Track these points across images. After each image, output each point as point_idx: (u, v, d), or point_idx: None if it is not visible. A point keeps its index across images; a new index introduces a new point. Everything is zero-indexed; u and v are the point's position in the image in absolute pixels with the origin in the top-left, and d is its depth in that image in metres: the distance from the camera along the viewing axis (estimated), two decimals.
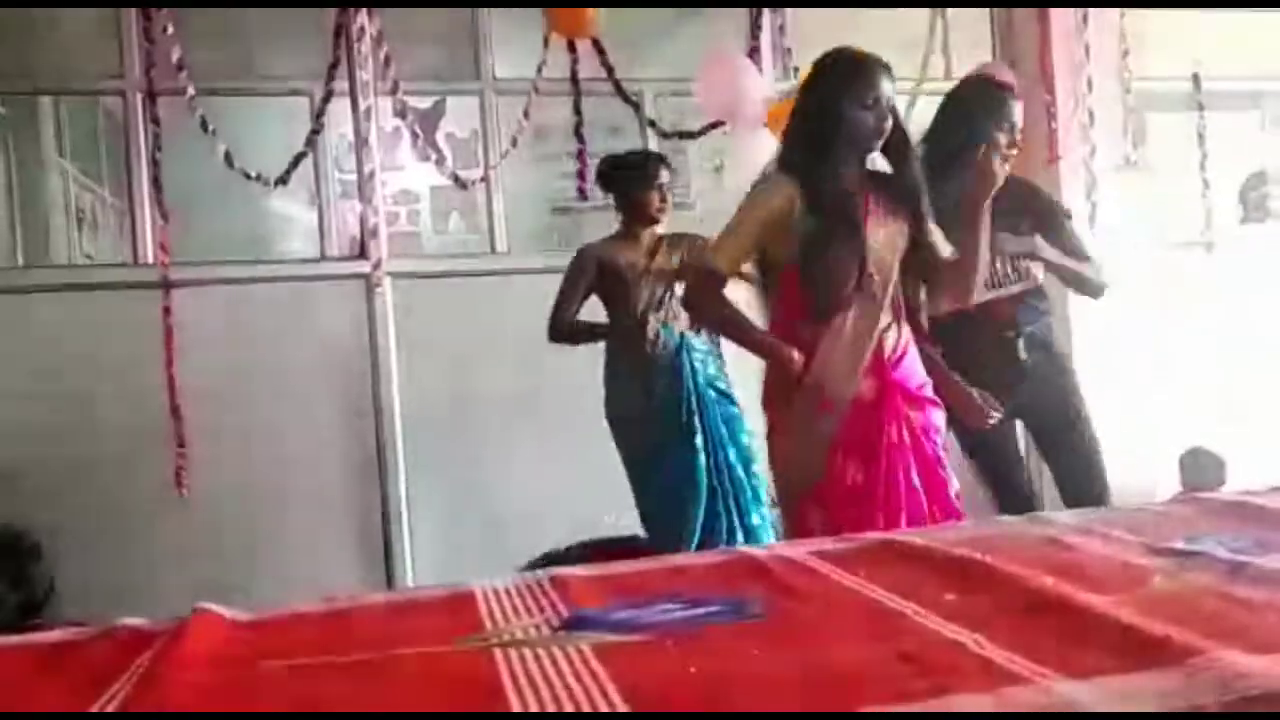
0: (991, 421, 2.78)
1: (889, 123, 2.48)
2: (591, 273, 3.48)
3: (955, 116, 2.90)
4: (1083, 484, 2.93)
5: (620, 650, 1.19)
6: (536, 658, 1.18)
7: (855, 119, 2.45)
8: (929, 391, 2.59)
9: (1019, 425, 3.06)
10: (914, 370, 2.58)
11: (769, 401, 2.61)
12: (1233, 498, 1.88)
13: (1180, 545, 1.50)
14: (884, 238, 2.52)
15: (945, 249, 2.60)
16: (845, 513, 2.41)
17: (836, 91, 2.49)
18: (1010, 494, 2.95)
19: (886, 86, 2.47)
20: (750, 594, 1.40)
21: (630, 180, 3.49)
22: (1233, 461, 4.24)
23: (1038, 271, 2.96)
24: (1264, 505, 1.74)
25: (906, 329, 2.60)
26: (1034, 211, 2.97)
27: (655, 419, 3.37)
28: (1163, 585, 1.33)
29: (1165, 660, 1.03)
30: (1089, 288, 3.06)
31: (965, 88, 3.05)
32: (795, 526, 2.53)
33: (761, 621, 1.30)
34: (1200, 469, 4.24)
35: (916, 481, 2.48)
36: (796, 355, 2.47)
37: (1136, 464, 4.32)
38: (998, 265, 2.87)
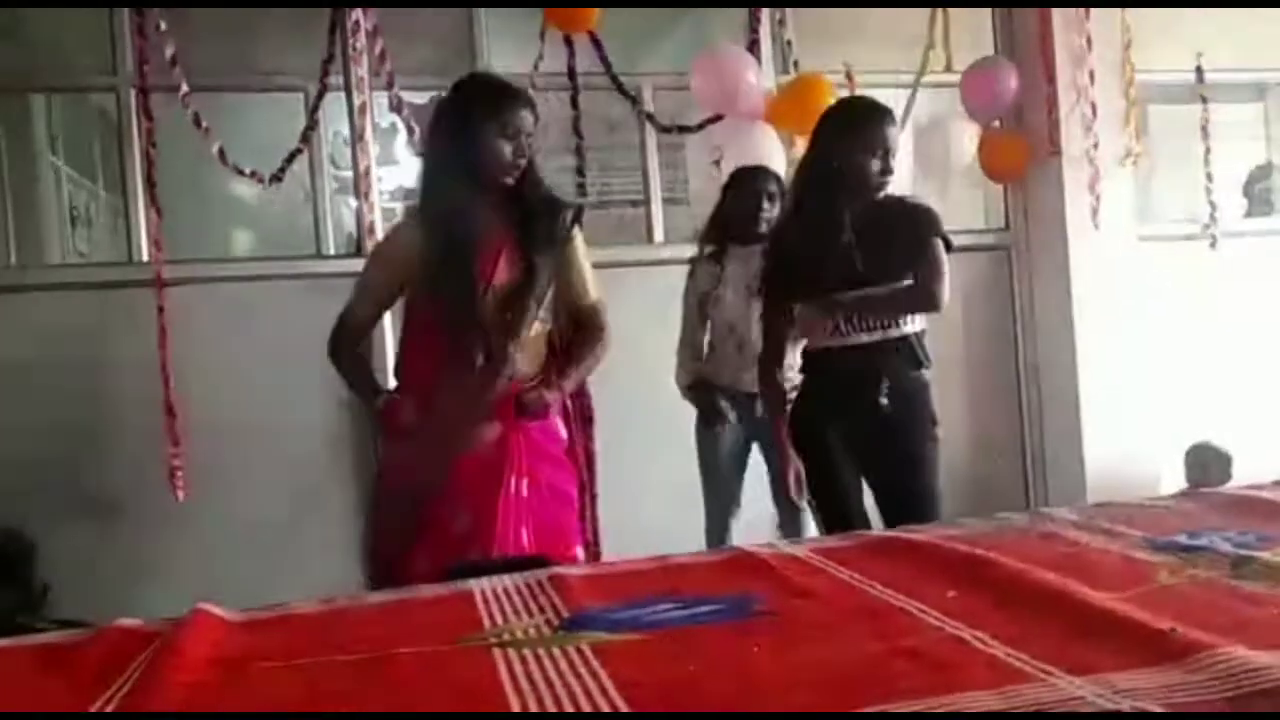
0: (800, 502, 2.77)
1: (525, 155, 2.35)
2: None
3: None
4: None
5: (620, 649, 1.19)
6: (536, 657, 1.18)
7: (492, 146, 2.32)
8: (556, 445, 2.44)
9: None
10: (547, 424, 2.43)
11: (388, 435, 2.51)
12: (1237, 492, 1.87)
13: (1184, 540, 1.49)
14: (509, 274, 2.36)
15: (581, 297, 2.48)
16: (435, 554, 2.25)
17: (470, 121, 2.35)
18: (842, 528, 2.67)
19: (528, 116, 2.36)
20: (751, 592, 1.39)
21: None
22: (1238, 456, 4.23)
23: (911, 316, 2.71)
24: (1268, 500, 1.74)
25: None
26: (912, 240, 2.69)
27: None
28: (1166, 580, 1.32)
29: (1169, 656, 1.03)
30: (913, 304, 2.70)
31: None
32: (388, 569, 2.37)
33: (762, 620, 1.29)
34: (1205, 464, 4.23)
35: (525, 538, 2.32)
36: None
37: (1141, 459, 4.32)
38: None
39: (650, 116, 4.35)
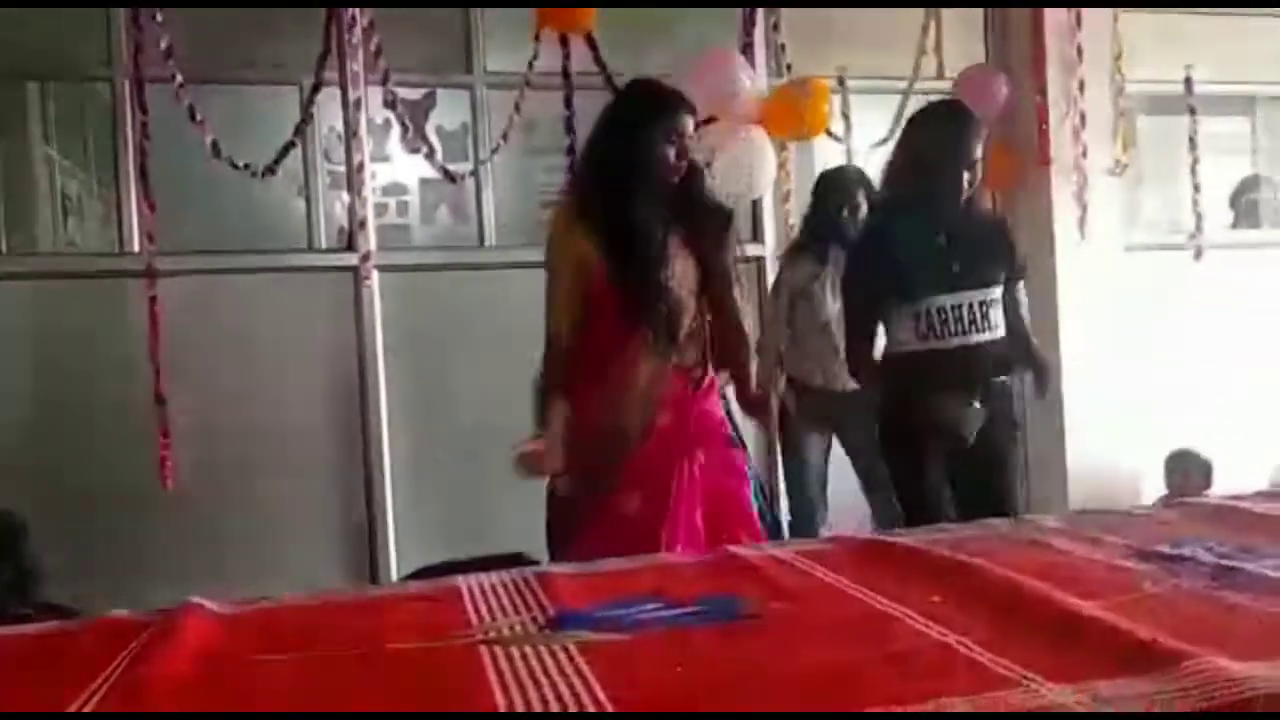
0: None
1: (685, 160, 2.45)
2: None
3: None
4: None
5: (607, 649, 1.19)
6: (523, 655, 1.18)
7: (656, 150, 2.42)
8: (727, 432, 2.55)
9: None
10: (713, 401, 2.55)
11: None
12: (1219, 502, 1.89)
13: (1167, 550, 1.50)
14: (679, 272, 2.48)
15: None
16: (612, 543, 2.27)
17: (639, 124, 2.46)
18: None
19: (688, 118, 2.47)
20: (738, 594, 1.40)
21: None
22: (1219, 465, 4.25)
23: (999, 321, 2.78)
24: (1250, 510, 1.75)
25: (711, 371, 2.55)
26: (1007, 255, 2.84)
27: None
28: (1149, 590, 1.33)
29: (1152, 664, 1.04)
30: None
31: None
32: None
33: (749, 622, 1.30)
34: (1186, 472, 4.25)
35: (698, 519, 2.42)
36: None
37: (1123, 465, 4.34)
38: (958, 310, 2.72)
39: None
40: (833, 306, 3.53)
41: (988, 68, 4.57)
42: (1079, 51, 4.44)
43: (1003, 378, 2.78)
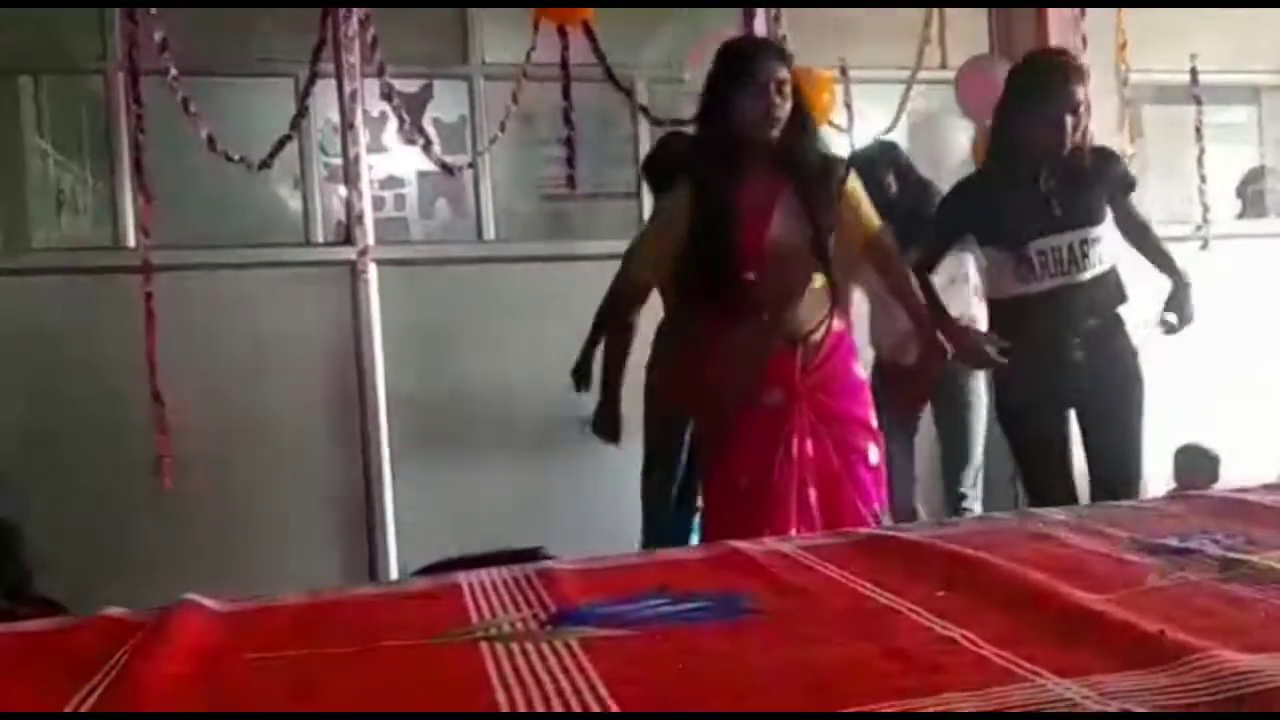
0: (993, 362, 2.79)
1: (781, 106, 2.42)
2: None
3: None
4: (1109, 487, 2.76)
5: (608, 645, 1.18)
6: (524, 652, 1.17)
7: (737, 103, 2.41)
8: (858, 406, 2.53)
9: (1072, 416, 2.92)
10: (835, 381, 2.51)
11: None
12: (1226, 495, 1.88)
13: (1173, 543, 1.49)
14: (786, 230, 2.46)
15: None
16: (727, 514, 2.38)
17: (721, 77, 2.46)
18: (1047, 489, 2.84)
19: (770, 66, 2.43)
20: (740, 589, 1.39)
21: None
22: (1227, 458, 4.24)
23: (1107, 256, 2.82)
24: (1257, 502, 1.74)
25: (838, 326, 2.53)
26: (1110, 179, 2.85)
27: None
28: (1156, 582, 1.32)
29: (1158, 658, 1.03)
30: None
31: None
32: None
33: (751, 617, 1.29)
34: (1194, 465, 4.24)
35: (813, 498, 2.41)
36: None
37: None
38: (1058, 252, 2.76)
39: (644, 109, 4.33)
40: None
41: (991, 58, 4.55)
42: (1083, 41, 4.41)
43: (1108, 312, 2.82)
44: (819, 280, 2.49)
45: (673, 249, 2.50)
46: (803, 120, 2.48)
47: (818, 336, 2.47)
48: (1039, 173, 2.76)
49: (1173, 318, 2.82)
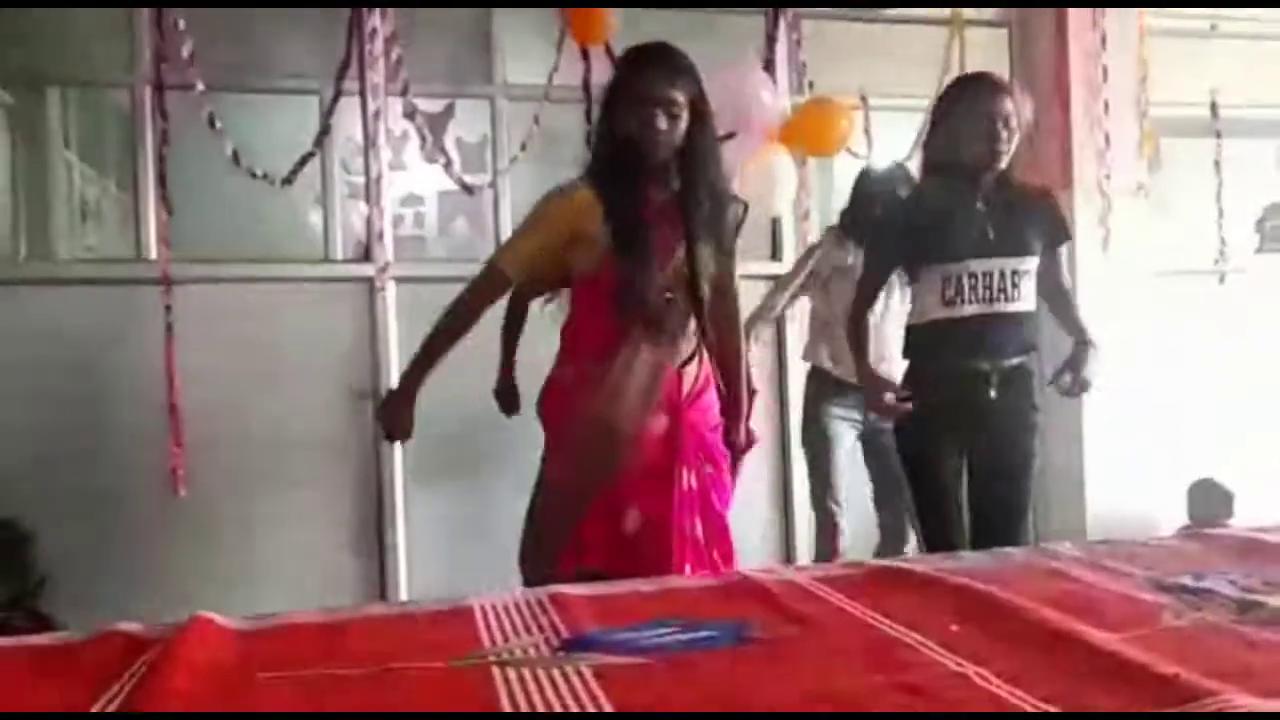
0: (894, 413, 2.74)
1: (668, 131, 2.26)
2: None
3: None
4: (994, 534, 2.63)
5: (619, 672, 1.18)
6: (535, 678, 1.17)
7: (619, 118, 2.28)
8: (720, 444, 2.44)
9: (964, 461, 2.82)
10: (710, 410, 2.42)
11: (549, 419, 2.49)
12: (1242, 534, 1.86)
13: (1189, 582, 1.48)
14: (677, 262, 2.33)
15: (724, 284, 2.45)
16: (610, 558, 2.24)
17: (610, 86, 2.35)
18: (939, 528, 2.76)
19: (659, 85, 2.27)
20: (750, 618, 1.38)
21: None
22: (1241, 495, 4.21)
23: (1029, 293, 2.73)
24: (1274, 543, 1.72)
25: (707, 364, 2.43)
26: (1046, 222, 2.79)
27: None
28: (1171, 622, 1.31)
29: (1172, 700, 1.02)
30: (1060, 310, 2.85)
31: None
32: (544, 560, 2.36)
33: (761, 646, 1.28)
34: (1208, 501, 4.21)
35: (700, 531, 2.31)
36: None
37: (1143, 495, 4.30)
38: (988, 278, 2.68)
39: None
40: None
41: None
42: (1104, 73, 4.41)
43: (1025, 355, 2.74)
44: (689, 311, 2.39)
45: (543, 252, 2.37)
46: (695, 147, 2.33)
47: (693, 367, 2.39)
48: (969, 193, 2.71)
49: (1067, 379, 2.72)
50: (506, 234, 4.29)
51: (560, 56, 4.05)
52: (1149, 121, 4.50)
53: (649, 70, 2.30)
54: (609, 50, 4.03)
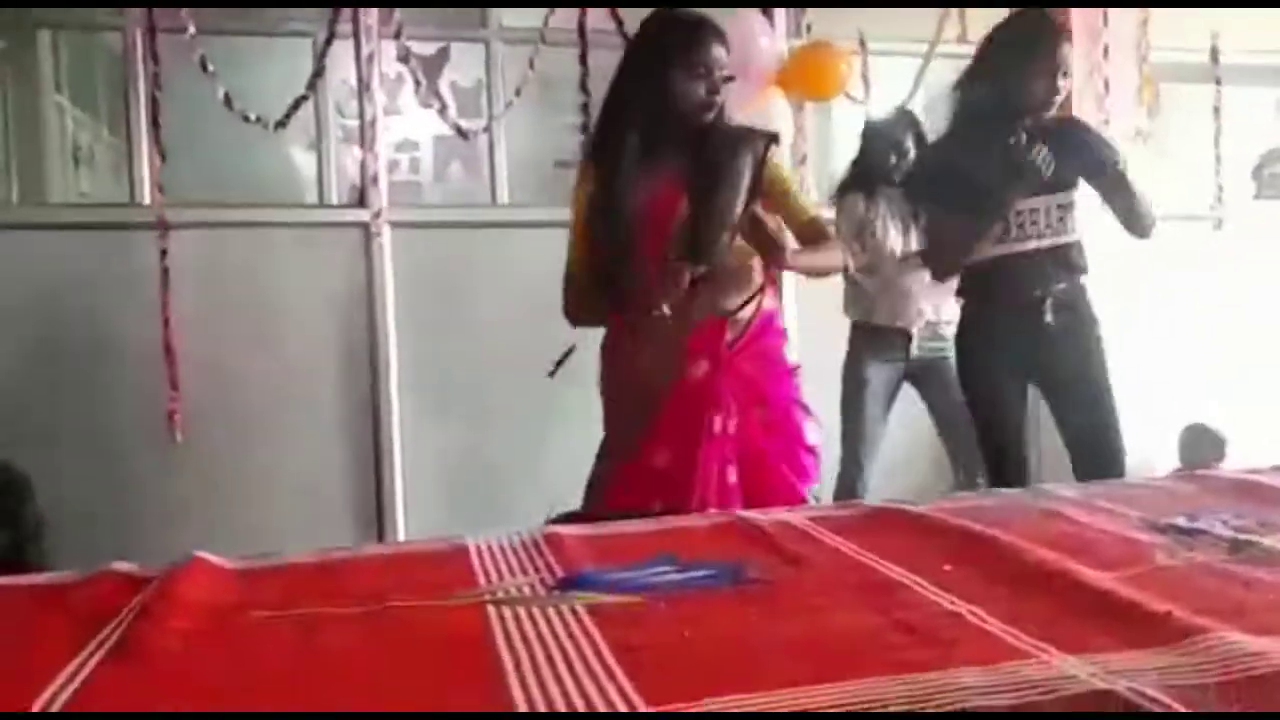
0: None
1: (720, 93, 2.32)
2: None
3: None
4: (1094, 457, 2.82)
5: (614, 611, 1.19)
6: (530, 616, 1.17)
7: (682, 90, 2.30)
8: (789, 387, 2.43)
9: (1029, 389, 2.94)
10: (764, 358, 2.41)
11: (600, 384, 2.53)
12: (1236, 475, 1.87)
13: (1182, 522, 1.49)
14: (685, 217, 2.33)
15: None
16: (646, 495, 2.27)
17: (662, 59, 2.32)
18: (1005, 461, 2.87)
19: (719, 52, 2.32)
20: (747, 559, 1.39)
21: None
22: (1232, 440, 4.23)
23: (1074, 225, 2.83)
24: (1267, 484, 1.73)
25: (768, 308, 2.42)
26: (1088, 152, 2.82)
27: None
28: (1164, 562, 1.32)
29: (1166, 637, 1.03)
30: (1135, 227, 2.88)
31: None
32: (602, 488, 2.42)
33: (758, 587, 1.29)
34: (1199, 446, 4.23)
35: (732, 477, 2.31)
36: None
37: (1135, 438, 4.31)
38: (1035, 214, 2.77)
39: None
40: (895, 241, 3.61)
41: None
42: (1104, 16, 4.36)
43: (1075, 280, 2.83)
44: (736, 259, 2.37)
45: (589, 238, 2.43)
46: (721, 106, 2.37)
47: (746, 314, 2.39)
48: (1017, 133, 2.72)
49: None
50: (502, 179, 4.28)
51: None
52: (1149, 67, 4.46)
53: (711, 39, 2.33)
54: None
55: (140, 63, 3.76)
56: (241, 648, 1.13)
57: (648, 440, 2.33)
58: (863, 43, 4.41)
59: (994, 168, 2.73)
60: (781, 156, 2.50)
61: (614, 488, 2.37)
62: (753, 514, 1.64)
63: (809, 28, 4.35)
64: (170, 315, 3.63)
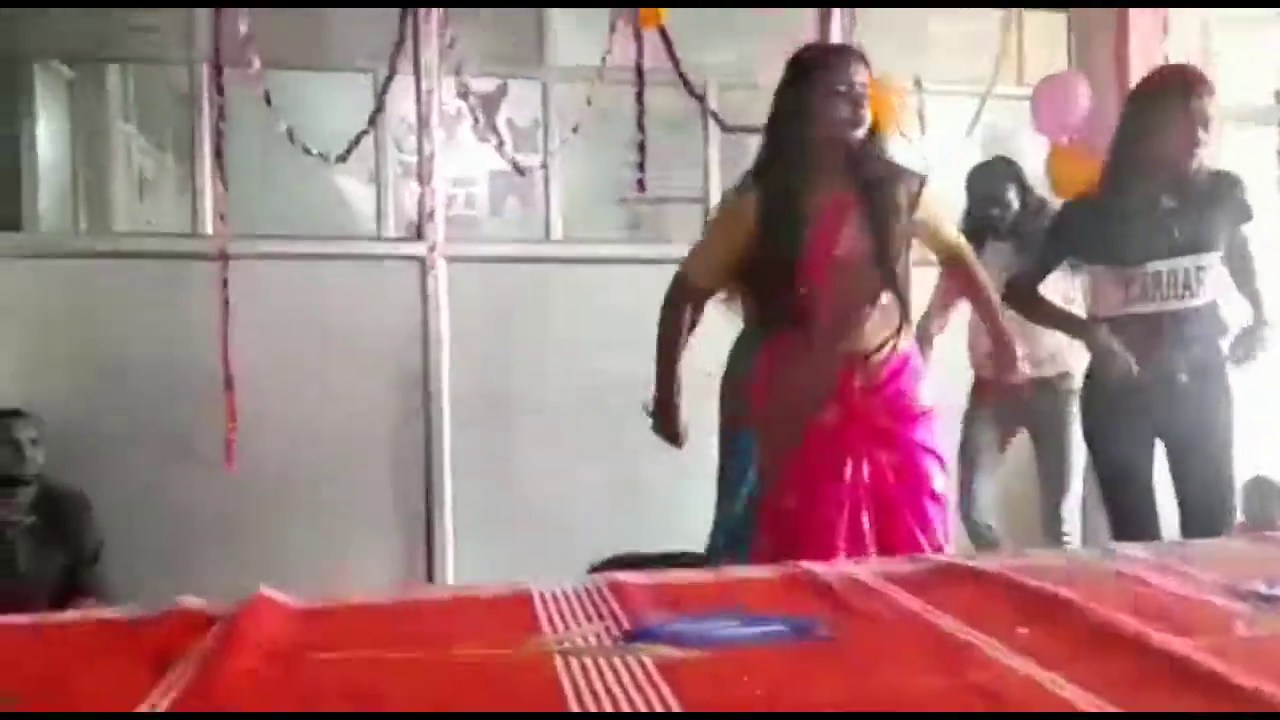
0: (1127, 372, 2.69)
1: (865, 112, 2.36)
2: None
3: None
4: (1207, 515, 2.72)
5: (684, 665, 1.17)
6: (599, 668, 1.16)
7: (824, 108, 2.35)
8: (922, 431, 2.43)
9: (1159, 446, 2.83)
10: (898, 402, 2.41)
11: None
12: None
13: (1262, 589, 1.44)
14: (854, 243, 2.38)
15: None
16: (773, 535, 2.31)
17: (807, 83, 2.40)
18: (1133, 519, 2.79)
19: (856, 71, 2.37)
20: (814, 614, 1.37)
21: None
22: None
23: (1216, 286, 2.75)
24: None
25: (904, 346, 2.44)
26: (1230, 207, 2.76)
27: None
28: (1244, 632, 1.28)
29: (1254, 710, 0.99)
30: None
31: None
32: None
33: (827, 643, 1.27)
34: (1262, 498, 4.14)
35: (865, 524, 2.32)
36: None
37: None
38: (1174, 275, 2.70)
39: (715, 115, 4.32)
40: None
41: (1069, 74, 4.47)
42: (1165, 59, 4.32)
43: (1212, 341, 2.76)
44: (887, 297, 2.41)
45: (729, 255, 2.45)
46: (872, 130, 2.42)
47: (880, 356, 2.40)
48: (1159, 192, 2.70)
49: (1240, 351, 2.73)
50: (557, 215, 4.30)
51: (613, 38, 4.02)
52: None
53: (850, 62, 2.39)
54: (663, 33, 4.01)
55: (206, 95, 3.83)
56: (305, 691, 1.13)
57: (783, 478, 2.36)
58: (918, 82, 4.40)
59: (1128, 228, 2.70)
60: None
61: (757, 530, 2.37)
62: (817, 567, 1.62)
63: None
64: (229, 344, 3.67)
